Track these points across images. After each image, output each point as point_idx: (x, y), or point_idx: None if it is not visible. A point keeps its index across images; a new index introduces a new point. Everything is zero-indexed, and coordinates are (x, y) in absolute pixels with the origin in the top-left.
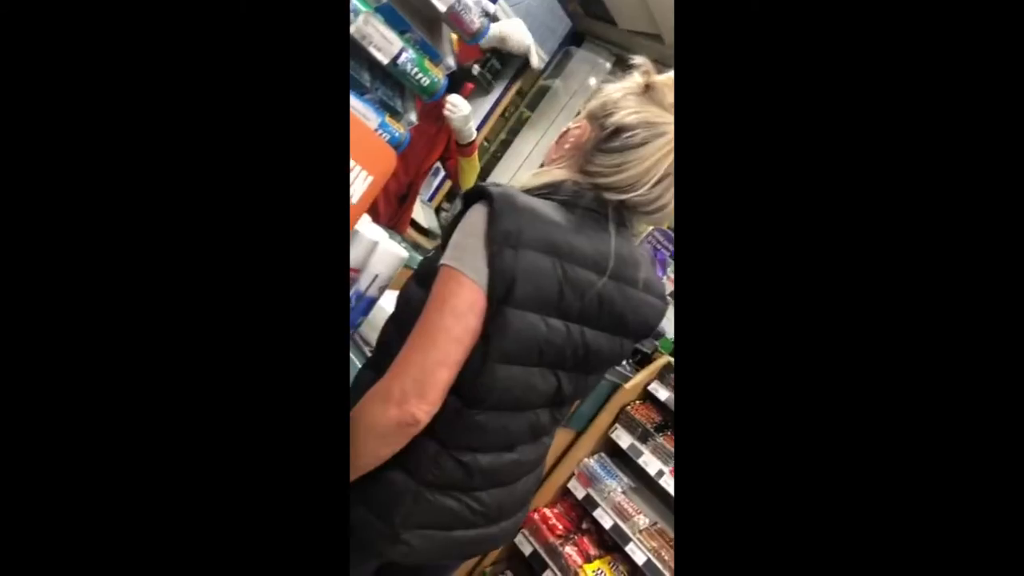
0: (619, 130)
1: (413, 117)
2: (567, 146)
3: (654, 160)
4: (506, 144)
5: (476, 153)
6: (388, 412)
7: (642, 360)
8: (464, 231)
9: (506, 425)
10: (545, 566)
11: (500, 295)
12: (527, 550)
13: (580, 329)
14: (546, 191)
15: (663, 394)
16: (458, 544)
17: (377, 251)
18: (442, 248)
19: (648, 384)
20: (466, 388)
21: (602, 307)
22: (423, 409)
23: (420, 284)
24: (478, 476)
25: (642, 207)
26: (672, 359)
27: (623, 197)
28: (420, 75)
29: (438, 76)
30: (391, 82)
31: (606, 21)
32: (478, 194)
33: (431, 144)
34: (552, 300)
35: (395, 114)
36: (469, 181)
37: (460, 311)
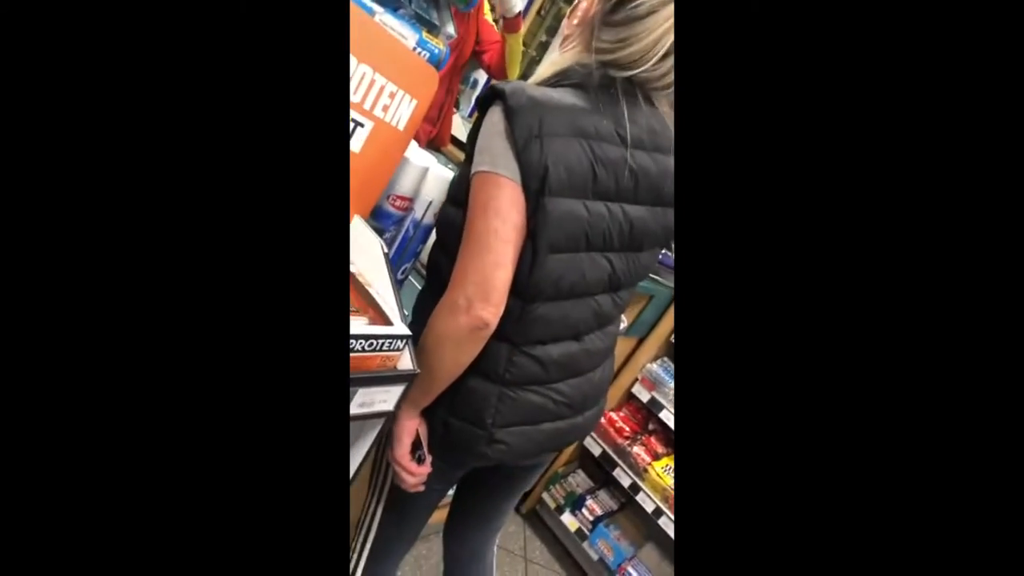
0: (623, 1)
1: (451, 30)
2: (575, 22)
3: (661, 32)
4: (544, 46)
5: (521, 34)
6: (458, 320)
7: None
8: (486, 135)
9: (567, 314)
10: (615, 464)
11: (536, 187)
12: (596, 451)
13: (620, 207)
14: (557, 79)
15: None
16: (549, 436)
17: (428, 177)
18: (468, 160)
19: None
20: (522, 285)
21: (638, 181)
22: (490, 311)
23: (455, 204)
24: (553, 368)
25: (651, 83)
26: None
27: (630, 74)
28: None
29: None
30: None
31: None
32: (491, 96)
33: (457, 49)
34: (587, 182)
35: (432, 28)
36: (516, 65)
37: (504, 211)
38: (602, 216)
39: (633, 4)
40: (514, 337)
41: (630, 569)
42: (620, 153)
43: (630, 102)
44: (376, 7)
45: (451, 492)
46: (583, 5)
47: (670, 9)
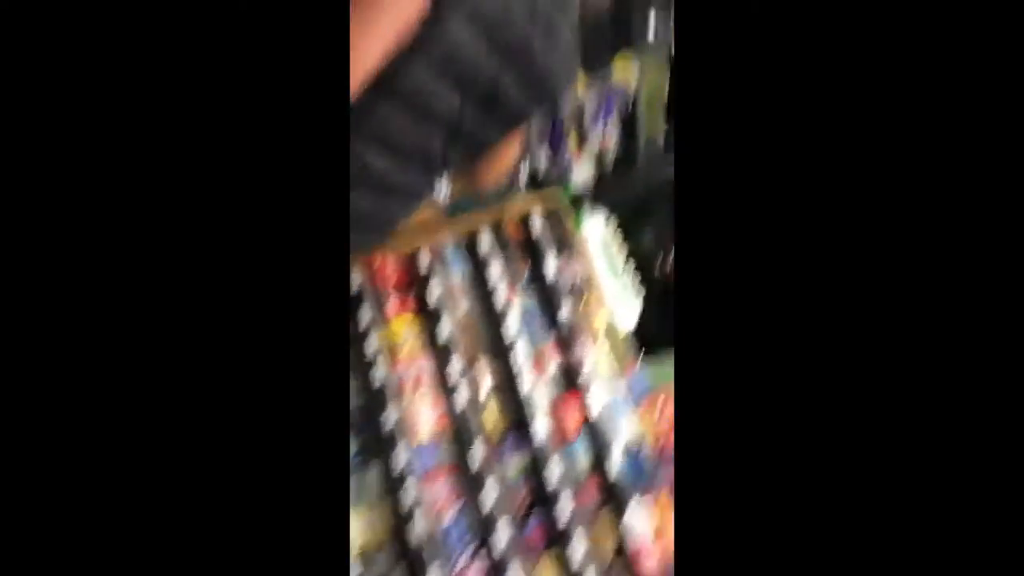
0: None
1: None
2: None
3: None
4: None
5: None
6: None
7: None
8: None
9: (399, 130)
10: (362, 301)
11: (444, 6)
12: (355, 283)
13: (498, 63)
14: None
15: (537, 228)
16: None
17: None
18: None
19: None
20: (378, 77)
21: (524, 53)
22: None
23: None
24: (364, 174)
25: None
26: None
27: None
28: None
29: None
30: None
31: None
32: None
33: None
34: (487, 28)
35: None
36: None
37: (403, 7)
38: (481, 64)
39: None
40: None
41: None
42: (524, 22)
43: None
44: None
45: None
46: None
47: None
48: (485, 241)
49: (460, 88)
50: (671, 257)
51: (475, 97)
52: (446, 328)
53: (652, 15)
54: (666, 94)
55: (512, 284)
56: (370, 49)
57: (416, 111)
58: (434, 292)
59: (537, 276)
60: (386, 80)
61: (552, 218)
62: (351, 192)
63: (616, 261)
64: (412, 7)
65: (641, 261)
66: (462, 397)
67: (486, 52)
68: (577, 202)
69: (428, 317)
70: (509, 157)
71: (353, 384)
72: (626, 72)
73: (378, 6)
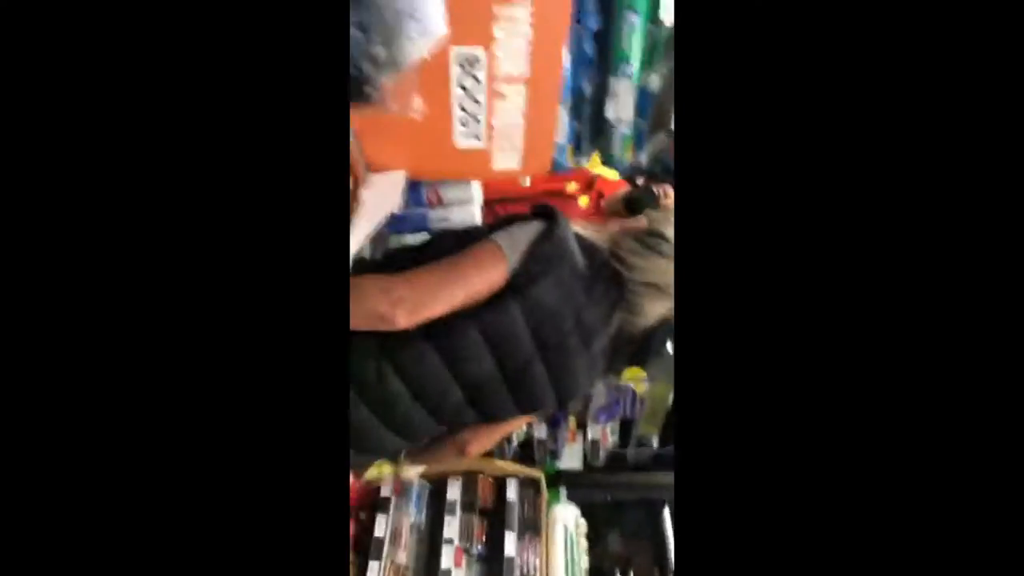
0: (655, 234)
1: (585, 160)
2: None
3: (660, 271)
4: None
5: None
6: (380, 302)
7: (524, 457)
8: (522, 230)
9: (427, 370)
10: None
11: (513, 289)
12: None
13: (534, 352)
14: (583, 242)
15: (511, 495)
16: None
17: (464, 207)
18: (492, 228)
19: (507, 477)
20: (434, 322)
21: (560, 352)
22: (406, 320)
23: (458, 240)
24: (376, 392)
25: (629, 297)
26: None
27: (623, 276)
28: (617, 142)
29: (625, 157)
30: (596, 128)
31: None
32: (546, 214)
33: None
34: (539, 320)
35: (577, 150)
36: None
37: (487, 279)
38: (522, 347)
39: (664, 242)
40: (385, 344)
41: None
42: (570, 327)
43: (605, 300)
44: None
45: None
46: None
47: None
48: (453, 492)
49: (496, 360)
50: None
51: (507, 372)
52: (374, 572)
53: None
54: (669, 403)
55: (461, 549)
56: (447, 302)
57: (450, 364)
58: (379, 528)
59: (494, 546)
60: (437, 326)
61: (526, 491)
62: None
63: (577, 555)
64: (494, 279)
65: (604, 562)
66: None
67: (529, 339)
68: (556, 483)
69: (363, 553)
70: (506, 434)
71: None
72: (635, 377)
73: (471, 268)
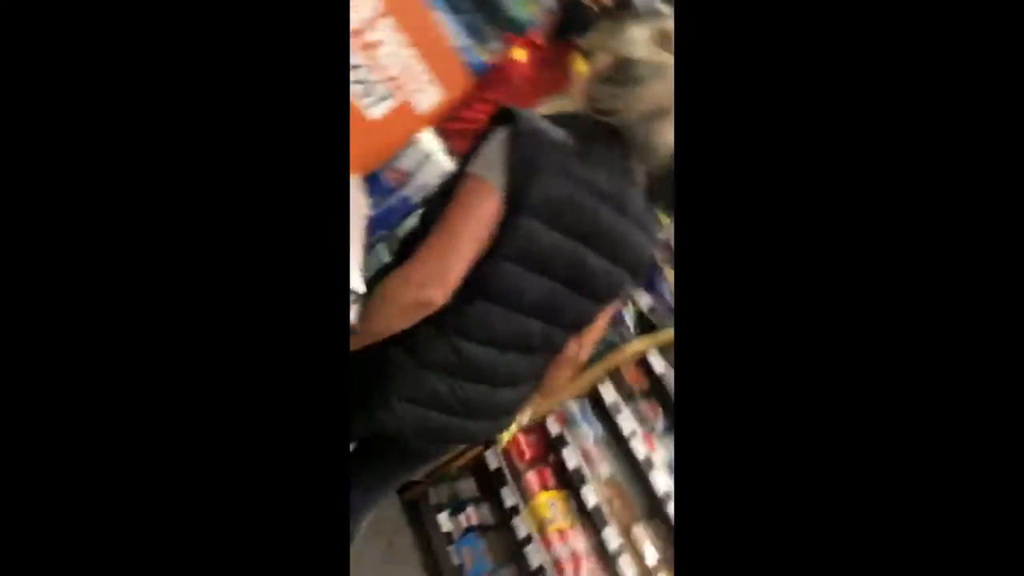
0: (625, 63)
1: (496, 45)
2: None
3: (650, 98)
4: None
5: None
6: (408, 291)
7: (645, 329)
8: (491, 147)
9: (498, 323)
10: (504, 483)
11: (514, 205)
12: (493, 465)
13: (576, 246)
14: (558, 119)
15: (658, 366)
16: (439, 427)
17: (430, 162)
18: (465, 160)
19: (646, 352)
20: (471, 280)
21: (601, 235)
22: (439, 294)
23: (443, 195)
24: (468, 366)
25: (633, 141)
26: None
27: (614, 125)
28: (511, 5)
29: (529, 12)
30: (485, 8)
31: None
32: (505, 117)
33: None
34: (558, 217)
35: (482, 41)
36: None
37: (481, 215)
38: (561, 249)
39: (632, 69)
40: (444, 323)
41: None
42: (592, 203)
43: (612, 158)
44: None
45: None
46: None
47: (662, 84)
48: (608, 394)
49: (546, 275)
50: None
51: (563, 279)
52: (591, 496)
53: None
54: None
55: (648, 433)
56: (461, 256)
57: (510, 304)
58: (570, 461)
59: (671, 413)
60: (472, 281)
61: (668, 355)
62: (464, 383)
63: None
64: (490, 208)
65: None
66: (627, 571)
67: (563, 238)
68: None
69: (571, 488)
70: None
71: (509, 570)
72: None
73: (461, 213)
